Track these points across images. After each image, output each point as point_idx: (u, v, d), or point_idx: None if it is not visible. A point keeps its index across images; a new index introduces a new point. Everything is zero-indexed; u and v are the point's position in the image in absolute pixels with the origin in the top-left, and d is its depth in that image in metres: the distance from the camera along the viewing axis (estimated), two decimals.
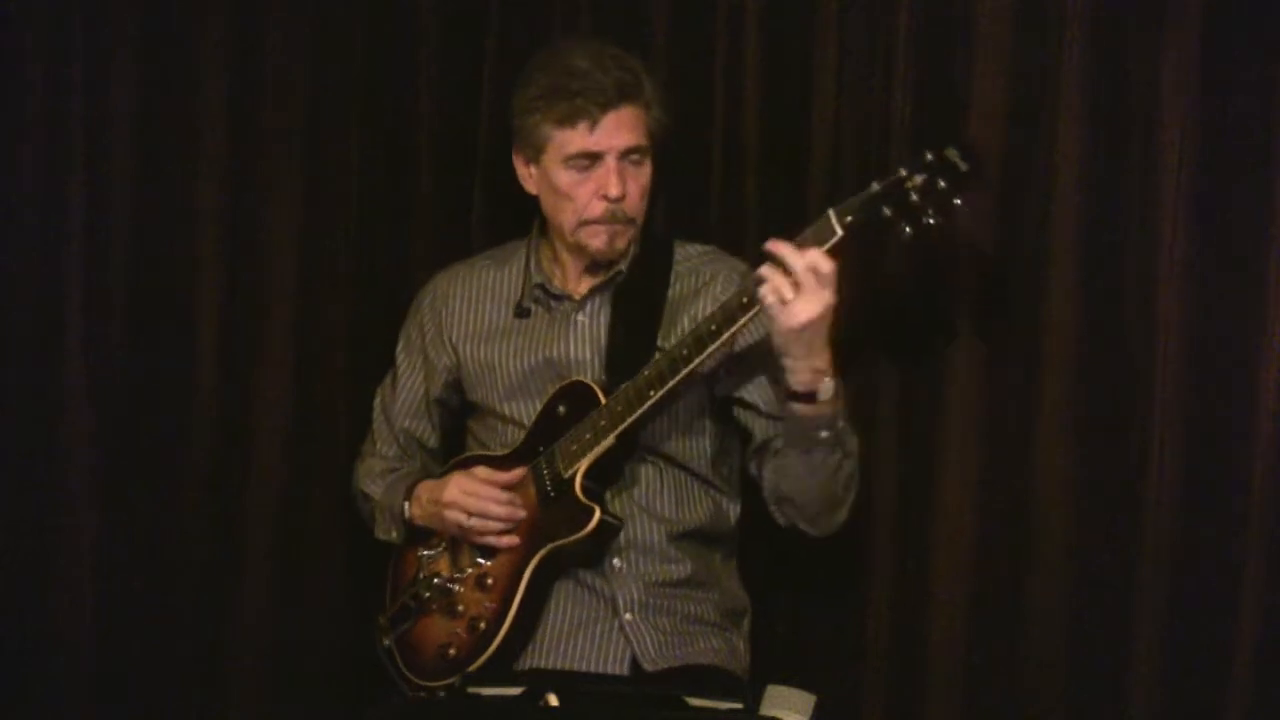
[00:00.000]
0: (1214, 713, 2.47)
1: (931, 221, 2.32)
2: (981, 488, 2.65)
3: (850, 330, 2.70)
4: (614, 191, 2.52)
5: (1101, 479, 2.57)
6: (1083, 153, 2.54)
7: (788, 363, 2.39)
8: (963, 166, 2.31)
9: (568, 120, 2.52)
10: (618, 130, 2.52)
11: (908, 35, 2.66)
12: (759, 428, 2.58)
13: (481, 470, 2.57)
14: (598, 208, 2.55)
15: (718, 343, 2.41)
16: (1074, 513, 2.58)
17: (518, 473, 2.55)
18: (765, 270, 2.34)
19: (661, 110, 2.57)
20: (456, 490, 2.56)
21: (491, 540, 2.56)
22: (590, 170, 2.54)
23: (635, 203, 2.56)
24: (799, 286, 2.32)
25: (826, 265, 2.32)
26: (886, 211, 2.33)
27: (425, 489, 2.63)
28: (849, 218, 2.34)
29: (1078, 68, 2.54)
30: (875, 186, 2.34)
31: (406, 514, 2.65)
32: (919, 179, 2.32)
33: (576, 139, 2.52)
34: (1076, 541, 2.58)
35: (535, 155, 2.58)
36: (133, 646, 2.99)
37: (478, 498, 2.54)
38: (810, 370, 2.38)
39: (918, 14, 2.65)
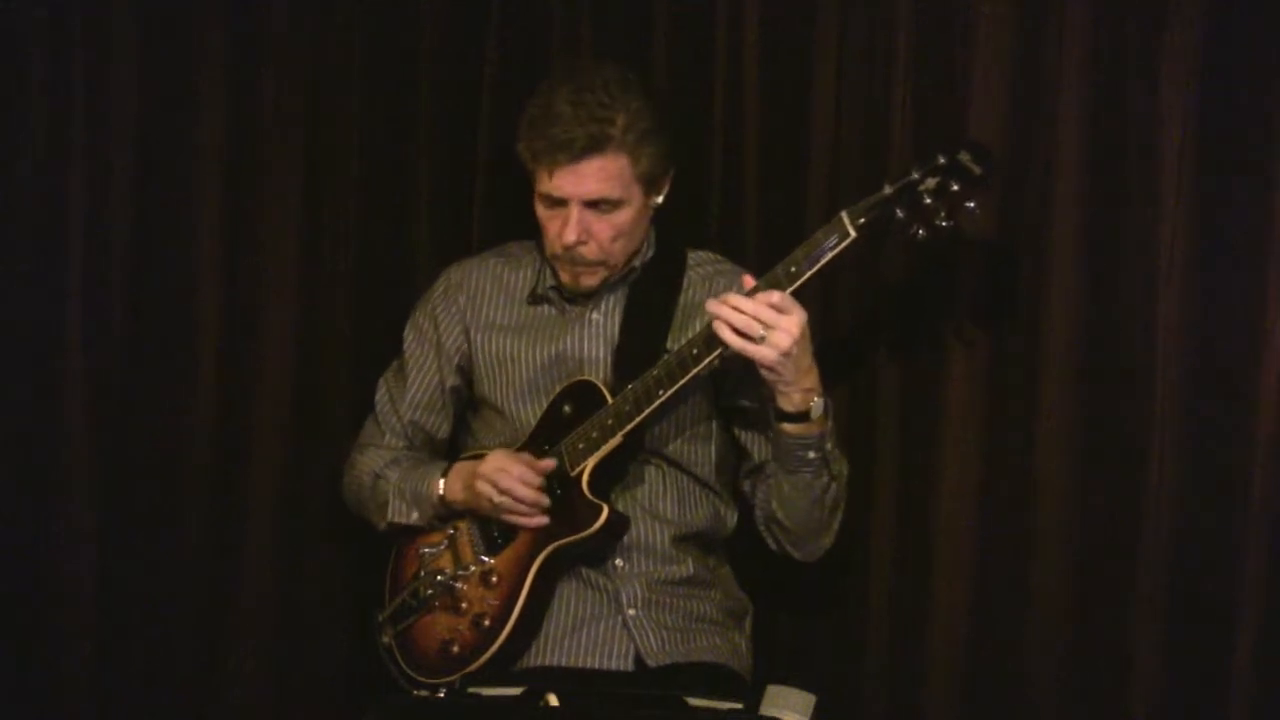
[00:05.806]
0: (1214, 712, 2.48)
1: (945, 223, 2.33)
2: (981, 488, 2.65)
3: (851, 331, 2.71)
4: (568, 238, 2.54)
5: (1101, 479, 2.57)
6: (1083, 152, 2.54)
7: (780, 388, 2.42)
8: (976, 170, 2.31)
9: (536, 160, 2.54)
10: (579, 181, 2.52)
11: (908, 35, 2.66)
12: (758, 448, 2.60)
13: (525, 455, 2.57)
14: (559, 245, 2.56)
15: None
16: (1074, 512, 2.58)
17: (550, 463, 2.54)
18: (719, 320, 2.36)
19: (652, 152, 2.54)
20: (492, 465, 2.55)
21: (510, 518, 2.54)
22: (557, 209, 2.55)
23: (603, 245, 2.56)
24: (765, 323, 2.34)
25: (776, 296, 2.35)
26: (899, 213, 2.34)
27: (464, 463, 2.62)
28: (862, 219, 2.34)
29: (1077, 67, 2.53)
30: (887, 189, 2.34)
31: (441, 489, 2.63)
32: (931, 181, 2.32)
33: (544, 180, 2.54)
34: (1077, 541, 2.58)
35: (529, 174, 2.60)
36: (133, 646, 2.98)
37: (509, 476, 2.52)
38: (800, 391, 2.42)
39: (918, 14, 2.65)
